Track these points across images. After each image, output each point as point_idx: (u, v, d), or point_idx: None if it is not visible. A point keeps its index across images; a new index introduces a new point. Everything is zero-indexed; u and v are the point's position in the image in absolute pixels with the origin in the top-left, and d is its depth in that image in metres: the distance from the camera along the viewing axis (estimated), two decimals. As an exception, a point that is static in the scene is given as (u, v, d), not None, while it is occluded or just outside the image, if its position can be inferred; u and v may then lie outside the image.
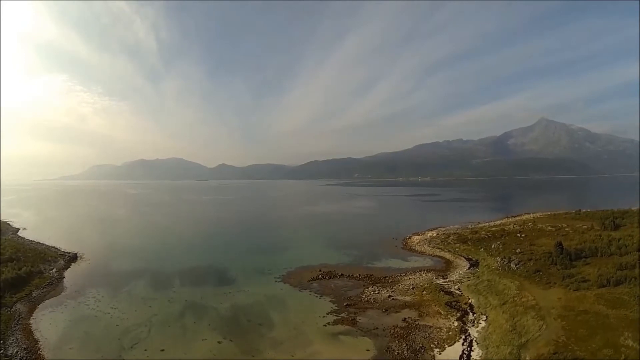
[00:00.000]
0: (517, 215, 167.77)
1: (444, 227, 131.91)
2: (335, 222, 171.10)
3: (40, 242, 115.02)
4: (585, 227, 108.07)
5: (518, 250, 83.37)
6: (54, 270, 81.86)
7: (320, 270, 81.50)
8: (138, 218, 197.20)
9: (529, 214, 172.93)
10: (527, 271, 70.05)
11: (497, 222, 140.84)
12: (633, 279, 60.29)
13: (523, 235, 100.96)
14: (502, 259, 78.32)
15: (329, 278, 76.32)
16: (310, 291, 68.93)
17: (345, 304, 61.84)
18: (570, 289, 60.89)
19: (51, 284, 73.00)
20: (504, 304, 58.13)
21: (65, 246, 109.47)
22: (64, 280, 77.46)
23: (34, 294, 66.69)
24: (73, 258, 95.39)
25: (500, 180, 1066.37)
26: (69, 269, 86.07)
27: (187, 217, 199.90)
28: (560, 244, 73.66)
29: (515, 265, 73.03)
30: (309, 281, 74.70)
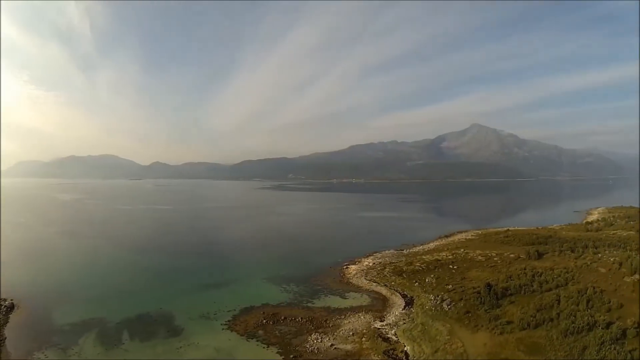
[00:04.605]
0: (450, 235, 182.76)
1: (380, 253, 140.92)
2: (271, 244, 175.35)
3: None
4: (512, 255, 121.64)
5: (450, 287, 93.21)
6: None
7: (263, 313, 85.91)
8: (72, 241, 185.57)
9: (460, 232, 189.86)
10: (457, 313, 79.30)
11: (432, 246, 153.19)
12: (550, 321, 71.14)
13: (455, 267, 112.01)
14: (435, 298, 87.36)
15: (273, 323, 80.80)
16: (257, 340, 73.15)
17: (291, 356, 66.87)
18: (495, 332, 70.45)
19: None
20: (435, 352, 65.97)
21: None
22: (2, 345, 73.10)
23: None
24: (10, 308, 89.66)
25: (434, 183, 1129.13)
26: (7, 325, 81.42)
27: (122, 239, 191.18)
28: (488, 285, 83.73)
29: (447, 306, 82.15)
30: (254, 328, 78.79)
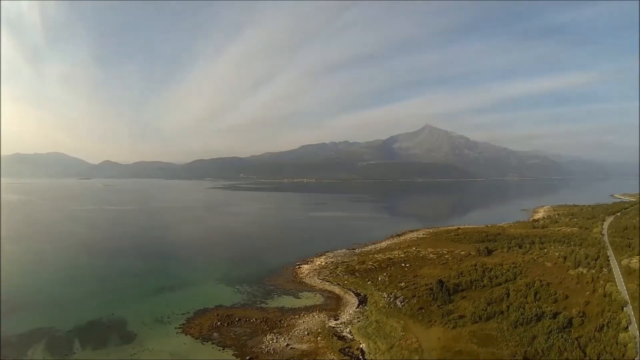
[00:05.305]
0: (402, 234, 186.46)
1: (332, 253, 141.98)
2: (222, 245, 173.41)
3: None
4: (463, 252, 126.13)
5: (403, 285, 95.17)
6: None
7: (217, 315, 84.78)
8: (18, 246, 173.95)
9: (412, 231, 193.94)
10: (411, 309, 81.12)
11: (384, 245, 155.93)
12: (500, 314, 74.29)
13: (407, 265, 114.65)
14: (388, 296, 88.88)
15: (228, 325, 79.80)
16: (213, 343, 72.15)
17: (247, 357, 66.10)
18: (448, 327, 72.74)
19: None
20: (391, 348, 67.03)
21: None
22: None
23: None
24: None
25: (386, 183, 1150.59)
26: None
27: (71, 243, 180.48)
28: (440, 282, 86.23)
29: (401, 303, 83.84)
30: (209, 330, 77.59)
